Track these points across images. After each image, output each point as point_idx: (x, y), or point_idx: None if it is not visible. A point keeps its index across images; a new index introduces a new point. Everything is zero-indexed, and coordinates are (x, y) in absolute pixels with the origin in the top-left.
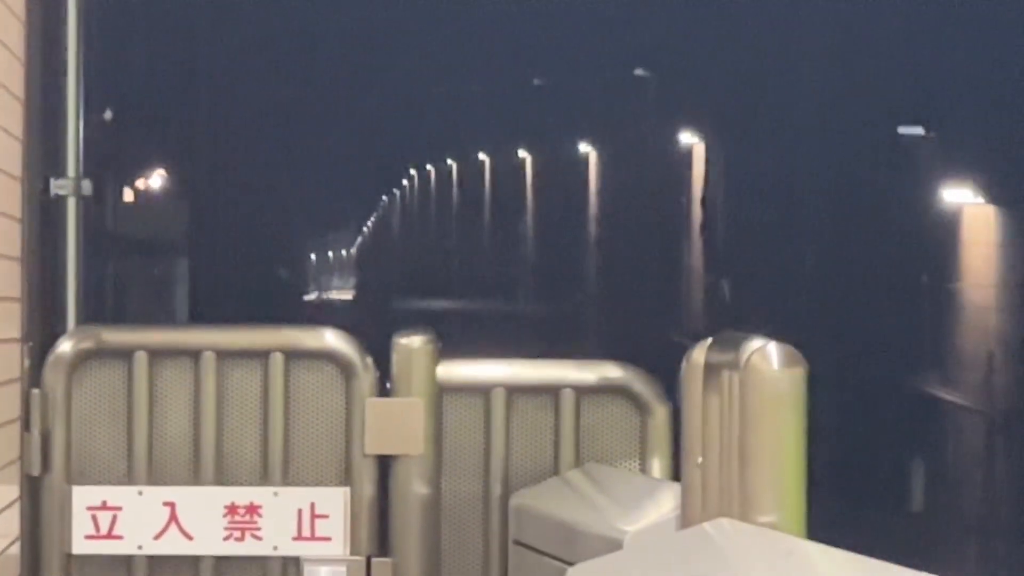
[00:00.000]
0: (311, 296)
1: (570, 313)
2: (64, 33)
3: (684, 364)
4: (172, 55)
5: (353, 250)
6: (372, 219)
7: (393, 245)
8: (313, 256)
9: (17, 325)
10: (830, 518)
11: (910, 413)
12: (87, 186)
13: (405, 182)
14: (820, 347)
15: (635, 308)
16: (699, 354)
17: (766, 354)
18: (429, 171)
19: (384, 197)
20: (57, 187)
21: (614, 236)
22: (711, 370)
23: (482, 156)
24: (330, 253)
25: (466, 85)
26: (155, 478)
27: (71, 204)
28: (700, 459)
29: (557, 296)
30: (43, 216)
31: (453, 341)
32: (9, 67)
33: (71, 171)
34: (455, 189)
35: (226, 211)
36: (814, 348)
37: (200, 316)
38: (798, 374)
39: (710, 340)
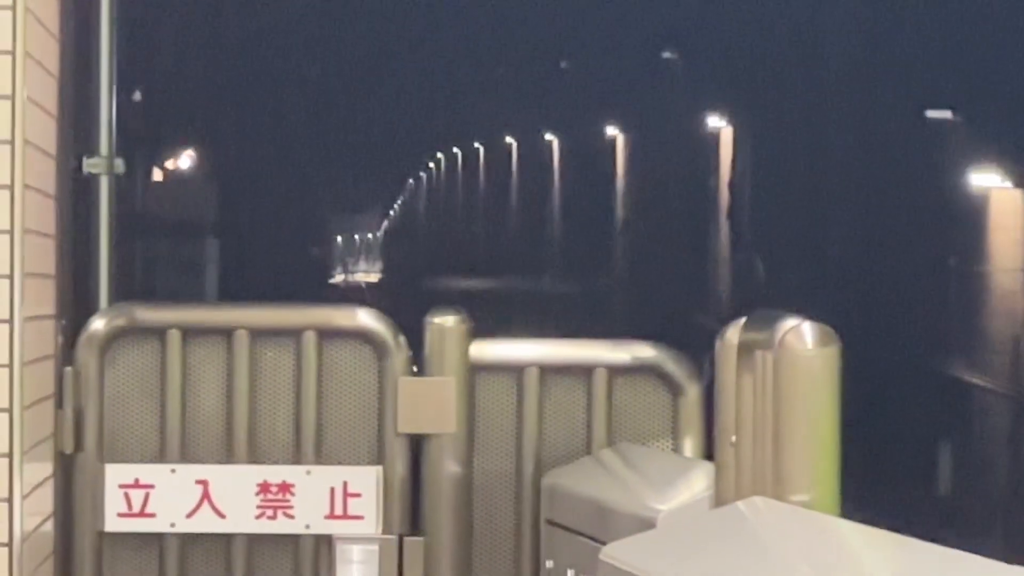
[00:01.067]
0: (340, 276)
1: (602, 293)
2: (98, 11)
3: (718, 343)
4: (204, 35)
5: (381, 232)
6: (401, 200)
7: (424, 226)
8: (341, 237)
9: (51, 302)
10: (863, 497)
11: (936, 395)
12: (120, 164)
13: (432, 165)
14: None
15: (666, 289)
16: (733, 333)
17: (800, 333)
18: (456, 153)
19: (411, 180)
20: (90, 165)
21: (644, 217)
22: (745, 349)
23: (509, 139)
24: (357, 235)
25: (493, 68)
26: (188, 456)
27: (104, 182)
28: (734, 438)
29: (590, 277)
30: (76, 194)
31: (486, 321)
32: (44, 44)
33: (104, 149)
34: (483, 171)
35: (257, 191)
36: (841, 330)
37: (230, 295)
38: (832, 353)
39: (744, 319)
